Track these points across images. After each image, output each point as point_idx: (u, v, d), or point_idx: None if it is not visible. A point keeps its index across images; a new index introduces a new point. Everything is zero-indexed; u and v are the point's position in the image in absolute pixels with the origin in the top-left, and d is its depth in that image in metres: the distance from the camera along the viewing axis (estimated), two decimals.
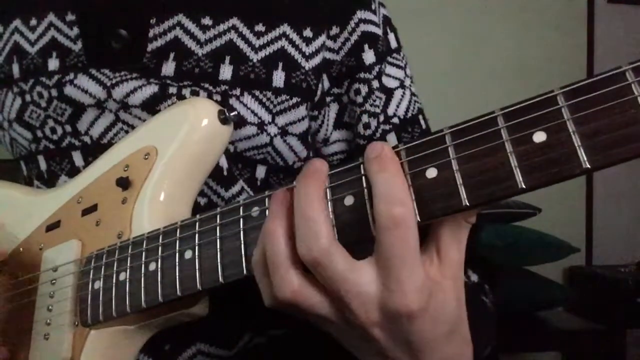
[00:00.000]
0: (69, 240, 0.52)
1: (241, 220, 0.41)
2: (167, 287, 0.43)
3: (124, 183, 0.50)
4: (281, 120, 0.56)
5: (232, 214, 0.41)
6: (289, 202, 0.36)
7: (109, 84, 0.55)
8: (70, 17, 0.58)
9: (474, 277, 0.57)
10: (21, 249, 0.57)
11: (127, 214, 0.50)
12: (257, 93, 0.55)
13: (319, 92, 0.58)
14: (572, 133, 0.30)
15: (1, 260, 0.58)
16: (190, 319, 0.48)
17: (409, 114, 0.61)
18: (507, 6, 2.03)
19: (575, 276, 1.98)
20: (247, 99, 0.55)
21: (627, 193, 2.05)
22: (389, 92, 0.60)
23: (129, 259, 0.46)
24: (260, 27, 0.56)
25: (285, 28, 0.56)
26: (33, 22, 0.59)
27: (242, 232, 0.40)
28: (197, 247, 0.42)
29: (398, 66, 0.61)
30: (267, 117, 0.56)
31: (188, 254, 0.43)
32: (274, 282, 0.35)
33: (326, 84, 0.59)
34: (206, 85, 0.55)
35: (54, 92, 0.56)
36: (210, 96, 0.54)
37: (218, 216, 0.42)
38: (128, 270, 0.46)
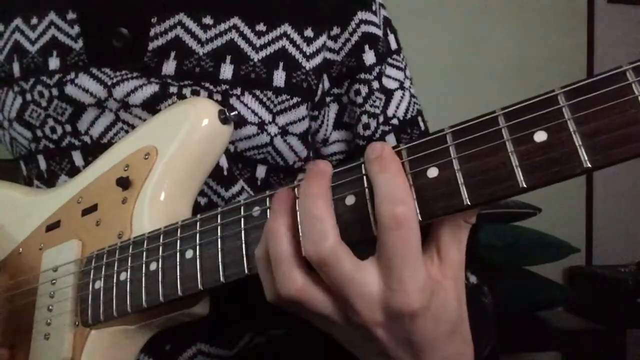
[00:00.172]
0: (69, 240, 0.52)
1: (242, 220, 0.41)
2: (168, 287, 0.43)
3: (124, 183, 0.50)
4: (281, 120, 0.56)
5: (233, 214, 0.41)
6: (291, 201, 0.36)
7: (109, 83, 0.55)
8: (71, 15, 0.58)
9: (473, 279, 0.57)
10: (21, 249, 0.57)
11: (128, 214, 0.50)
12: (257, 93, 0.55)
13: (319, 92, 0.58)
14: (572, 133, 0.30)
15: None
16: (191, 319, 0.48)
17: (408, 116, 0.61)
18: (507, 6, 2.04)
19: (575, 276, 1.98)
20: (247, 98, 0.55)
21: (627, 193, 2.05)
22: (388, 93, 0.60)
23: (129, 258, 0.46)
24: (261, 27, 0.56)
25: (286, 28, 0.56)
26: (34, 20, 0.59)
27: (243, 232, 0.40)
28: (198, 247, 0.42)
29: (398, 67, 0.62)
30: (267, 117, 0.56)
31: (189, 254, 0.43)
32: (277, 279, 0.35)
33: (326, 84, 0.59)
34: (207, 85, 0.55)
35: (55, 92, 0.56)
36: (210, 96, 0.54)
37: (219, 216, 0.42)
38: (129, 270, 0.46)
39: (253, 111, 0.55)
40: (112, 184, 0.51)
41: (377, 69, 0.59)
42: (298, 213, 0.35)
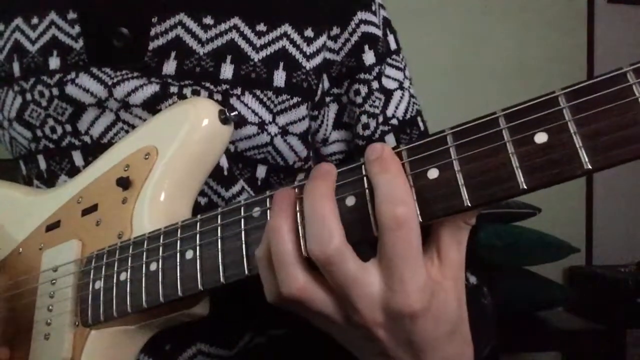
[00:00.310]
0: (69, 240, 0.52)
1: (242, 220, 0.41)
2: (168, 287, 0.43)
3: (124, 183, 0.50)
4: (282, 119, 0.56)
5: (233, 214, 0.41)
6: (293, 200, 0.36)
7: (110, 83, 0.55)
8: (71, 15, 0.58)
9: (473, 280, 0.57)
10: (21, 249, 0.57)
11: (128, 214, 0.50)
12: (257, 92, 0.55)
13: (319, 92, 0.58)
14: (573, 134, 0.30)
15: None
16: (191, 319, 0.48)
17: (408, 116, 0.61)
18: (507, 6, 2.04)
19: (575, 276, 1.98)
20: (247, 98, 0.55)
21: (627, 193, 2.05)
22: (388, 93, 0.60)
23: (129, 259, 0.46)
24: (261, 27, 0.56)
25: (287, 28, 0.56)
26: (34, 20, 0.59)
27: (243, 233, 0.40)
28: (198, 247, 0.42)
29: (397, 68, 0.62)
30: (267, 117, 0.56)
31: (189, 254, 0.43)
32: (279, 277, 0.35)
33: (326, 84, 0.59)
34: (207, 85, 0.55)
35: (55, 91, 0.56)
36: (211, 95, 0.54)
37: (219, 216, 0.42)
38: (129, 270, 0.46)
39: (253, 111, 0.55)
40: (112, 184, 0.51)
41: (376, 69, 0.59)
42: (300, 213, 0.36)
